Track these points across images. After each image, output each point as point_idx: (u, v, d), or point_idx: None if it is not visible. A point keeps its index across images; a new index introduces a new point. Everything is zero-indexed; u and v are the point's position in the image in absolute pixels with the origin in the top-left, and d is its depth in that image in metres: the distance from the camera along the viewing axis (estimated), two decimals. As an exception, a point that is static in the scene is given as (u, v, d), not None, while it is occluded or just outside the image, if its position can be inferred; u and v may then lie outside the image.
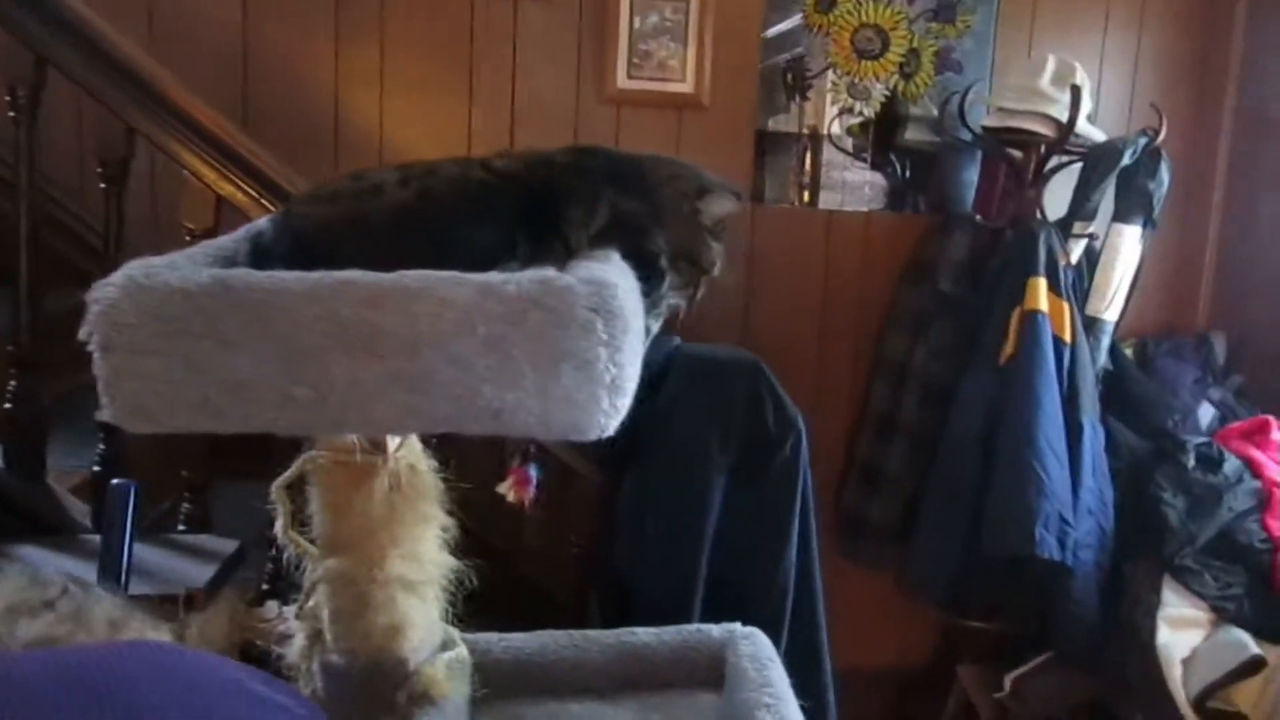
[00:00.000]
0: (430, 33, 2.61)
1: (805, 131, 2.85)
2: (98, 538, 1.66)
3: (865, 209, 2.88)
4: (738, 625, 1.52)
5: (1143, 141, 2.48)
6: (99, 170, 1.64)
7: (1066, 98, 2.48)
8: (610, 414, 0.97)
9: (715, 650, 1.48)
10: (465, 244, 1.03)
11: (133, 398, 0.93)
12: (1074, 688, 2.44)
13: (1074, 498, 2.40)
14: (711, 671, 1.47)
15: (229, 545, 1.66)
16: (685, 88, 2.74)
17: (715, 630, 1.51)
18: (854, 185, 2.91)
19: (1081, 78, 2.51)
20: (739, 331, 2.84)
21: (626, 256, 1.12)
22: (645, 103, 2.73)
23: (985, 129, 2.61)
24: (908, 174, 2.92)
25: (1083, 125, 2.53)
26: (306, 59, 2.57)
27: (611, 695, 1.47)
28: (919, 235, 2.81)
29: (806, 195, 2.89)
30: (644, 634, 1.51)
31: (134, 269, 0.93)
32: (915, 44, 2.83)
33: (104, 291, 0.92)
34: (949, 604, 2.69)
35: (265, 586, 1.71)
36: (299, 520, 1.35)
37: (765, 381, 1.76)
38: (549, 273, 0.95)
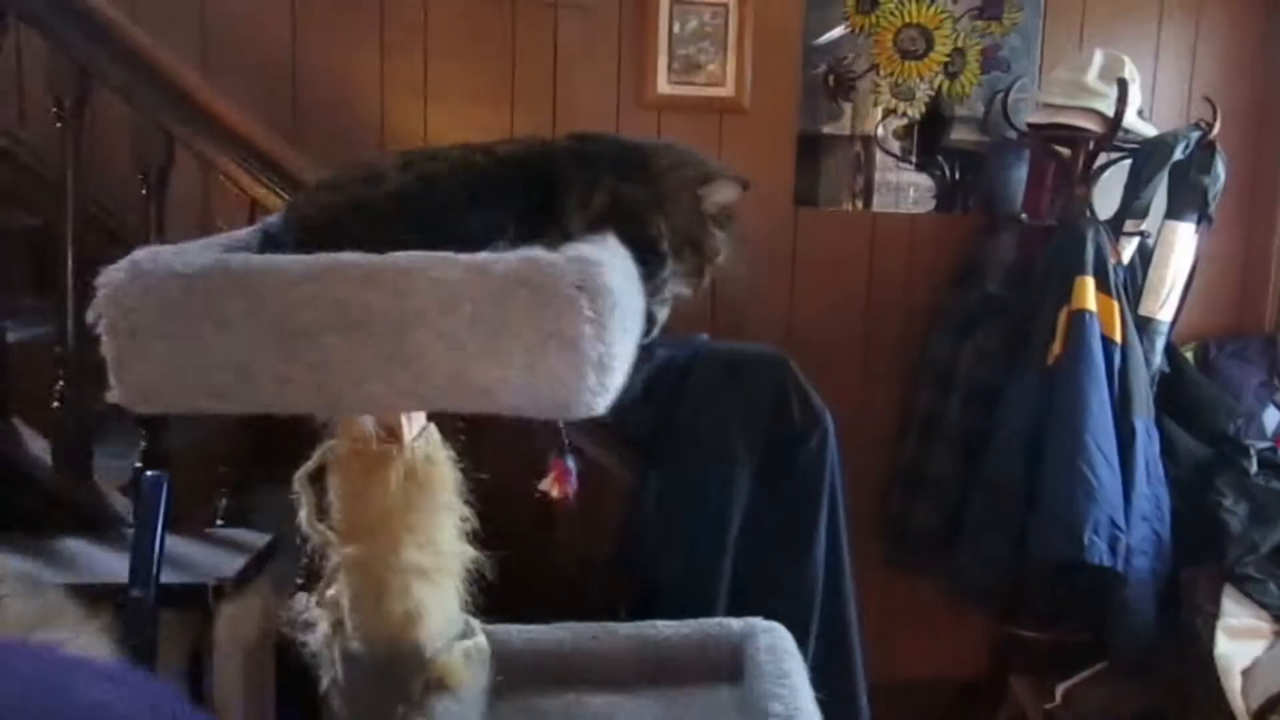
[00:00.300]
0: (472, 42, 2.66)
1: (852, 134, 2.83)
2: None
3: (912, 211, 2.84)
4: (759, 619, 1.51)
5: (1195, 135, 2.42)
6: (140, 178, 1.70)
7: (1114, 92, 2.42)
8: (598, 392, 0.97)
9: (735, 643, 1.47)
10: (464, 227, 1.05)
11: (138, 379, 0.96)
12: (1127, 699, 2.36)
13: (1126, 503, 2.33)
14: (731, 664, 1.46)
15: (264, 540, 1.70)
16: (725, 92, 2.74)
17: (736, 624, 1.50)
18: (901, 187, 2.88)
19: (1130, 71, 2.46)
20: (782, 334, 2.82)
21: (626, 242, 1.13)
22: (685, 107, 2.73)
23: (1031, 126, 2.56)
24: (956, 175, 2.89)
25: (1132, 120, 2.48)
26: (353, 69, 2.63)
27: (630, 688, 1.47)
28: (966, 237, 2.77)
29: (859, 200, 2.86)
30: (664, 627, 1.51)
31: (140, 254, 0.97)
32: (960, 42, 2.80)
33: (110, 275, 0.96)
34: (999, 611, 2.64)
35: (300, 581, 1.74)
36: (323, 511, 1.38)
37: (791, 377, 1.74)
38: (536, 252, 0.96)
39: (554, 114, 2.71)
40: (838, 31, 2.75)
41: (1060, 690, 2.43)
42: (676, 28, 2.71)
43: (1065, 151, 2.57)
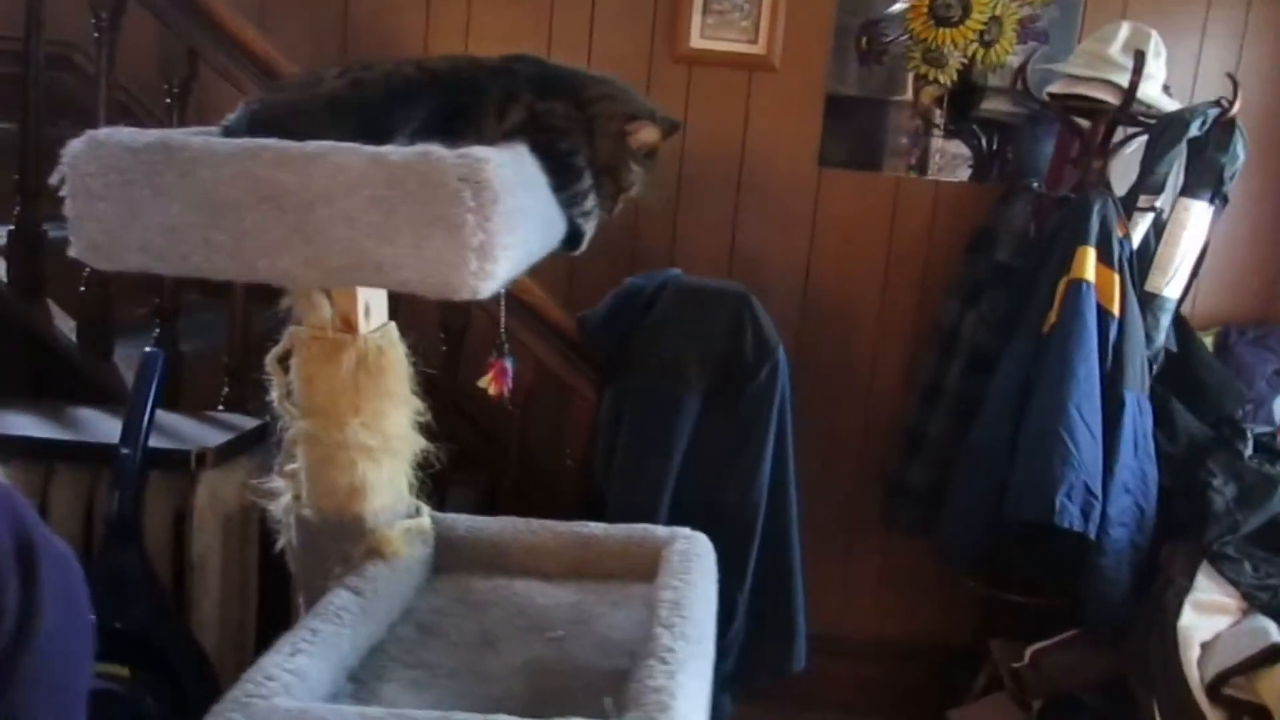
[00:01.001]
0: (512, -10, 2.78)
1: (881, 99, 2.88)
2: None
3: (937, 178, 2.88)
4: (685, 529, 1.61)
5: (1213, 112, 2.41)
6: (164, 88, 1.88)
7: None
8: (480, 276, 1.09)
9: (658, 547, 1.58)
10: (383, 127, 1.18)
11: (90, 237, 1.12)
12: (1093, 664, 2.40)
13: (1109, 473, 2.36)
14: (650, 566, 1.56)
15: (256, 423, 1.87)
16: (757, 49, 2.82)
17: (662, 531, 1.61)
18: (929, 154, 2.91)
19: (1155, 45, 2.46)
20: (799, 292, 2.91)
21: (541, 154, 1.24)
22: (716, 63, 2.82)
23: (1051, 96, 2.58)
24: (994, 145, 2.91)
25: (1154, 95, 2.48)
26: (400, 18, 2.78)
27: (555, 578, 1.60)
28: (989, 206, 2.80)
29: (884, 165, 2.90)
30: (595, 528, 1.63)
31: (99, 131, 1.12)
32: (998, 11, 2.81)
33: (72, 146, 1.12)
34: (985, 575, 2.69)
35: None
36: (290, 391, 1.54)
37: (749, 311, 1.83)
38: (431, 147, 1.09)
39: (588, 62, 2.82)
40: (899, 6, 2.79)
41: (1029, 652, 2.48)
42: (712, -18, 2.79)
43: (1085, 123, 2.58)
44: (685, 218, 2.89)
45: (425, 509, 1.65)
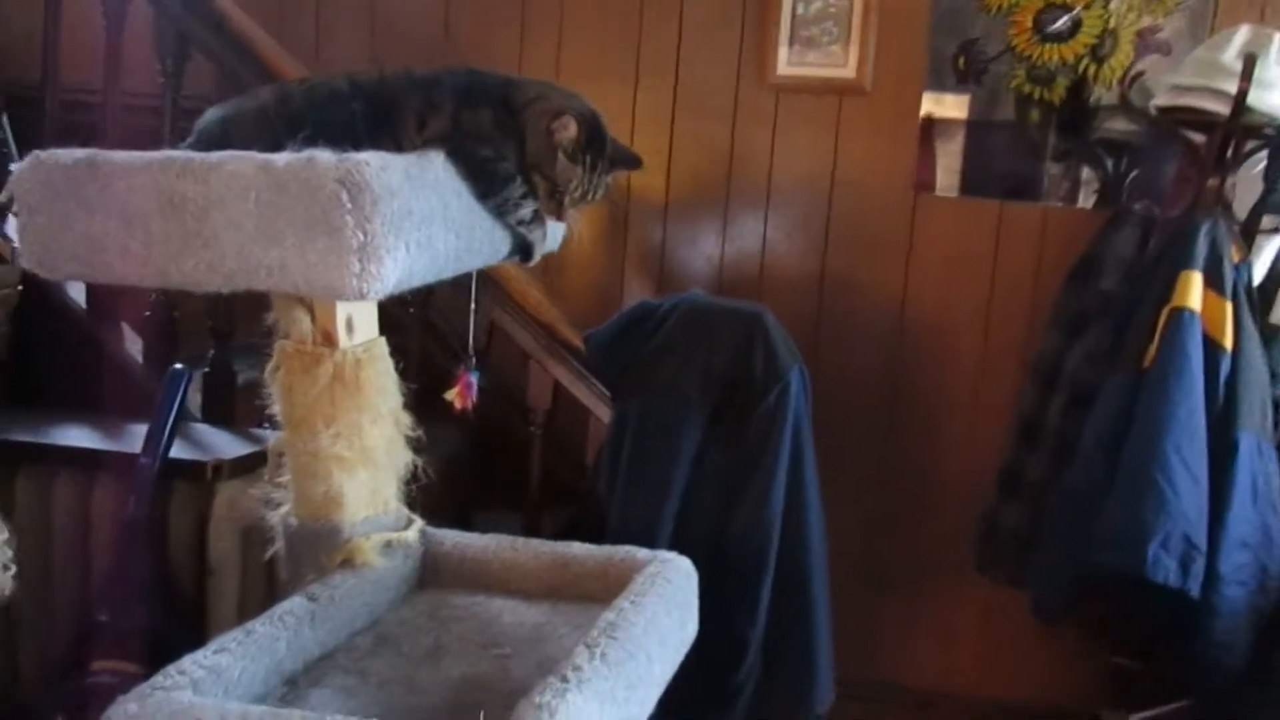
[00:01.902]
0: (602, 23, 2.83)
1: (981, 120, 2.73)
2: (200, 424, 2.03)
3: (1046, 205, 2.69)
4: (667, 552, 1.55)
5: (1345, 121, 2.14)
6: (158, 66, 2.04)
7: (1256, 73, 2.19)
8: (364, 278, 1.10)
9: (636, 569, 1.53)
10: (311, 141, 1.21)
11: (31, 248, 1.21)
12: (1199, 740, 2.13)
13: (1219, 525, 2.11)
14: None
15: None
16: (846, 73, 2.74)
17: (642, 553, 1.56)
18: (1037, 178, 2.74)
19: (1277, 49, 2.21)
20: (894, 322, 2.78)
21: (463, 161, 1.25)
22: (805, 89, 2.76)
23: (1159, 110, 2.36)
24: (1120, 167, 2.71)
25: (1277, 105, 2.23)
26: (496, 49, 2.88)
27: (531, 597, 1.57)
28: (1101, 232, 2.59)
29: (989, 190, 2.75)
30: (577, 548, 1.59)
31: (41, 152, 1.21)
32: (1112, 23, 2.62)
33: (19, 166, 1.21)
34: (1089, 630, 2.46)
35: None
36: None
37: (761, 332, 1.75)
38: (317, 152, 1.11)
39: (675, 92, 2.83)
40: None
41: (1130, 721, 2.23)
42: (800, 9, 2.74)
43: (1200, 138, 2.35)
44: (773, 247, 2.83)
45: (418, 522, 1.66)
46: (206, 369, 2.05)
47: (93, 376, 2.01)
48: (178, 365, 1.78)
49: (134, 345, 2.09)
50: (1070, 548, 2.23)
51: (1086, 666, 2.67)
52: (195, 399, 2.07)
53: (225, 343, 2.04)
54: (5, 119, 2.33)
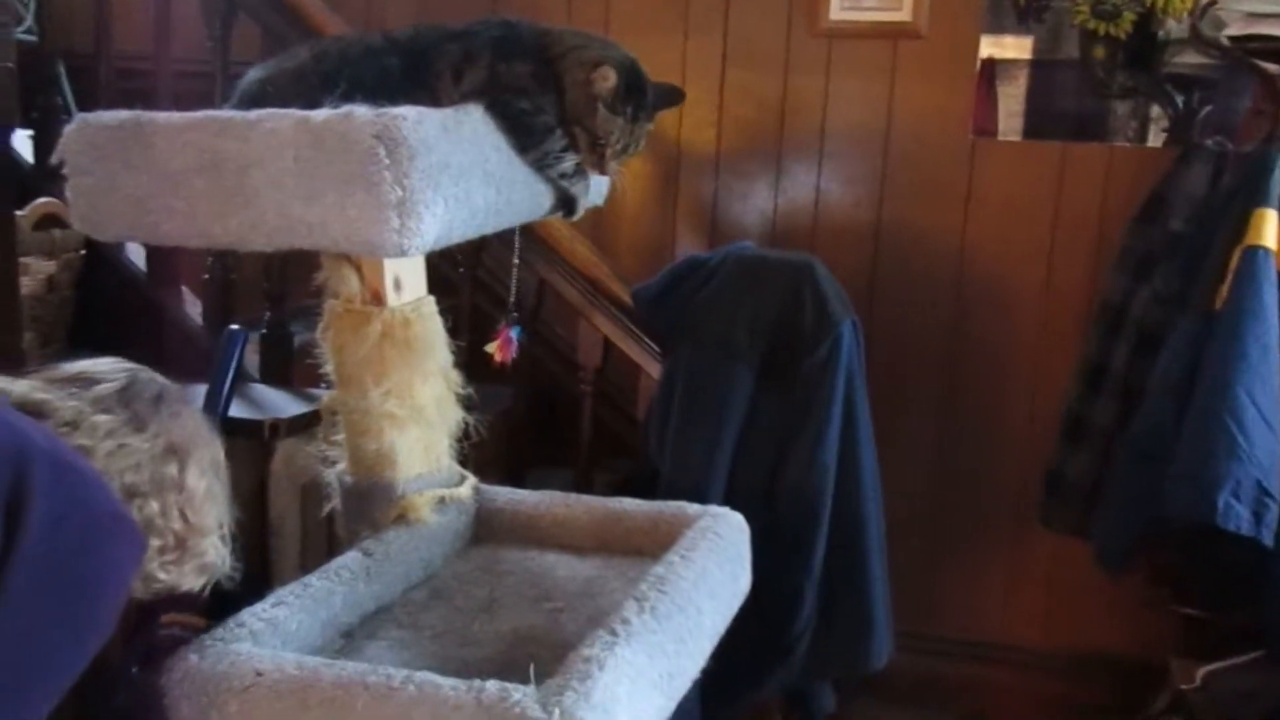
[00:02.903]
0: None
1: (1044, 59, 2.64)
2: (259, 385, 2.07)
3: (1112, 144, 2.60)
4: (717, 507, 1.55)
5: None
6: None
7: (1332, -5, 2.08)
8: (404, 233, 1.10)
9: (685, 523, 1.52)
10: (347, 96, 1.21)
11: (80, 209, 1.23)
12: (1273, 692, 2.07)
13: (1292, 469, 2.04)
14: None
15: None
16: (902, 16, 2.66)
17: (692, 508, 1.55)
18: (1101, 116, 2.64)
19: (1359, -30, 2.10)
20: (953, 271, 2.72)
21: (500, 114, 1.23)
22: (858, 34, 2.69)
23: (1232, 40, 2.26)
24: (1192, 103, 2.60)
25: (1360, 30, 2.12)
26: (543, 3, 2.84)
27: (583, 551, 1.58)
28: (1166, 169, 2.50)
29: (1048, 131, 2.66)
30: (627, 503, 1.60)
31: (87, 114, 1.23)
32: (1181, -48, 2.51)
33: (67, 129, 1.23)
34: (1158, 580, 2.40)
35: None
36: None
37: (811, 283, 1.72)
38: (355, 107, 1.10)
39: (724, 43, 2.77)
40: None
41: (1201, 673, 2.18)
42: (853, -49, 2.67)
43: (1275, 69, 2.24)
44: (826, 198, 2.78)
45: (471, 479, 1.68)
46: (263, 330, 2.08)
47: (154, 338, 2.05)
48: (233, 326, 1.80)
49: (194, 308, 2.12)
50: (1137, 496, 2.17)
51: (1155, 617, 2.60)
52: (254, 361, 2.10)
53: (280, 304, 2.06)
54: (66, 85, 2.37)
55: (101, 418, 0.99)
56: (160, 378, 1.08)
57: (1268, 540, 2.01)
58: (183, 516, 1.07)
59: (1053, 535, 2.61)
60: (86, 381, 1.02)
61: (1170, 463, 2.11)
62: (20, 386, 0.99)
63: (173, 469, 1.06)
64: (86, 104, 2.10)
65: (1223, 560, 2.20)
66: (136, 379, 1.05)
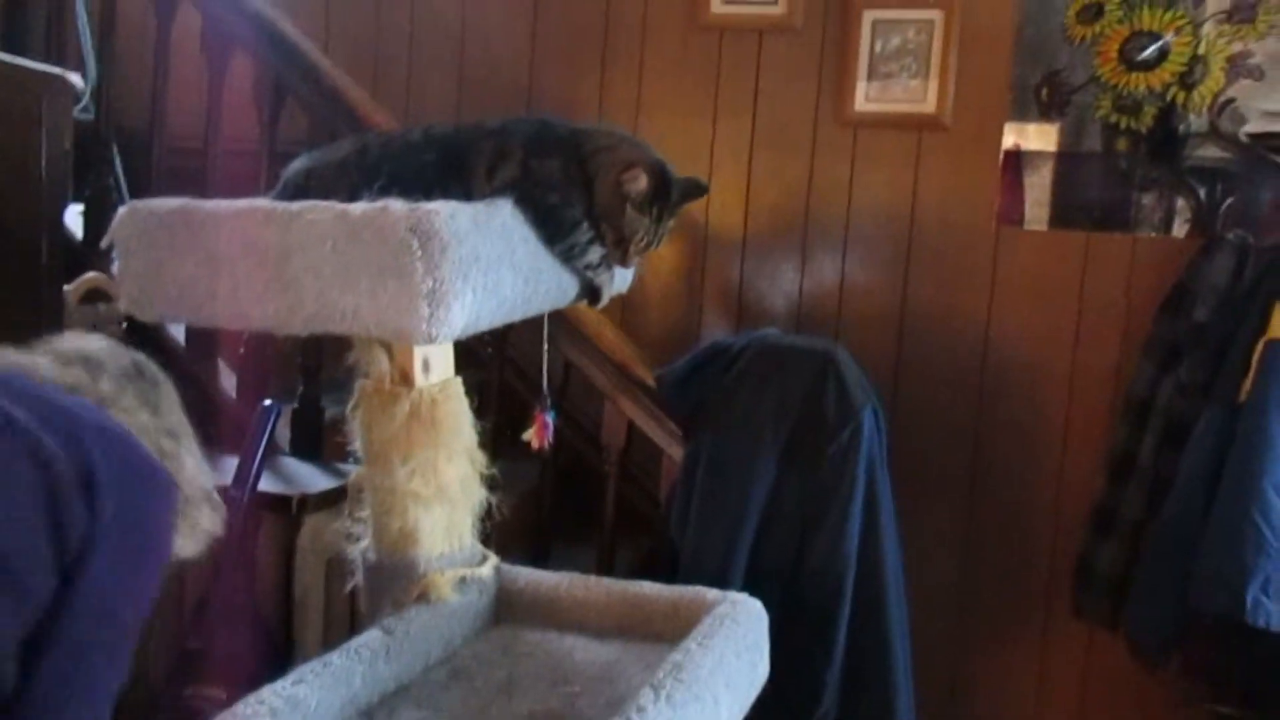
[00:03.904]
0: (681, 64, 2.86)
1: (1067, 151, 2.68)
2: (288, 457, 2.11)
3: (1135, 234, 2.62)
4: (737, 593, 1.55)
5: None
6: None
7: (1352, 96, 2.12)
8: (433, 321, 1.14)
9: (704, 609, 1.53)
10: (386, 189, 1.26)
11: (129, 292, 1.28)
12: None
13: (1325, 567, 2.02)
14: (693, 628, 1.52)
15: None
16: (926, 108, 2.72)
17: (711, 593, 1.56)
18: (1125, 207, 2.67)
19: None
20: (977, 359, 2.73)
21: (531, 208, 1.28)
22: (884, 124, 2.74)
23: (1252, 136, 2.29)
24: (1215, 196, 2.63)
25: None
26: (578, 89, 2.93)
27: (605, 636, 1.59)
28: (1190, 261, 2.52)
29: (1073, 221, 2.69)
30: (647, 587, 1.60)
31: (137, 201, 1.29)
32: (1201, 49, 2.56)
33: (119, 214, 1.29)
34: (1192, 676, 2.36)
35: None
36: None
37: (833, 370, 1.74)
38: (391, 201, 1.15)
39: (753, 128, 2.84)
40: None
41: (1230, 774, 2.13)
42: (878, 46, 2.74)
43: (1295, 165, 2.27)
44: (852, 283, 2.81)
45: (492, 558, 1.69)
46: (295, 404, 2.13)
47: (190, 411, 2.09)
48: (267, 401, 1.84)
49: (228, 381, 2.17)
50: (1170, 588, 2.16)
51: (1189, 715, 2.55)
52: (285, 433, 2.14)
53: (314, 378, 2.11)
54: (118, 163, 2.46)
55: (127, 399, 1.07)
56: (144, 357, 1.16)
57: (1300, 640, 1.98)
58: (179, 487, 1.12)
59: (1086, 626, 2.58)
60: (95, 362, 1.08)
61: (1199, 556, 2.10)
62: (44, 365, 1.04)
63: (171, 443, 1.13)
64: (138, 180, 2.18)
65: (1257, 656, 2.18)
66: (140, 361, 1.15)
